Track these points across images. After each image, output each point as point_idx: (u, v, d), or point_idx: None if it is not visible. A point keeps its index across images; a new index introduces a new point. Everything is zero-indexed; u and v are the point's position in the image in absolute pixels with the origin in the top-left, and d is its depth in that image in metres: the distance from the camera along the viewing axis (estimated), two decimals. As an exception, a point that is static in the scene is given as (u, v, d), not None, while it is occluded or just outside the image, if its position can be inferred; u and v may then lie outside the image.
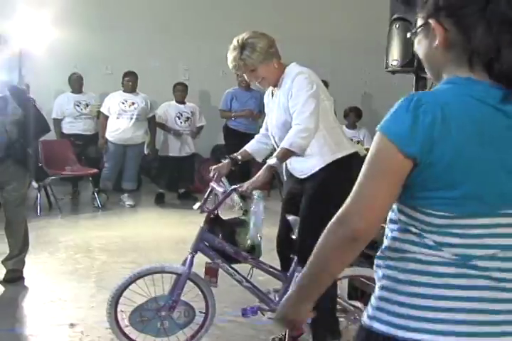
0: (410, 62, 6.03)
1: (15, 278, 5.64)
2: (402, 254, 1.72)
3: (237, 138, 9.91)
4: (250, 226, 3.93)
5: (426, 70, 1.83)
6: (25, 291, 5.53)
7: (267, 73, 4.00)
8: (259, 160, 4.43)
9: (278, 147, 4.02)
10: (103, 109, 9.63)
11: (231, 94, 10.22)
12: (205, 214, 4.00)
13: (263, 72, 3.99)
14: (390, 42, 6.22)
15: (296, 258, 3.92)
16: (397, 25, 6.16)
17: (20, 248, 5.65)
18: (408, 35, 1.90)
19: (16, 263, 5.68)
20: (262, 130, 4.46)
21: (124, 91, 9.69)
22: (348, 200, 1.69)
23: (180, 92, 10.14)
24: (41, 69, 10.42)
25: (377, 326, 1.72)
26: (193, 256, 3.96)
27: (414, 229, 1.70)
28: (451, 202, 1.64)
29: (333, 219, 1.72)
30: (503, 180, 1.63)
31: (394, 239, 1.75)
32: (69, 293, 5.51)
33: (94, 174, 9.48)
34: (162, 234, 7.67)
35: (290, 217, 3.96)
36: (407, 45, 6.01)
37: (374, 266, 1.82)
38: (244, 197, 4.00)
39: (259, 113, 9.97)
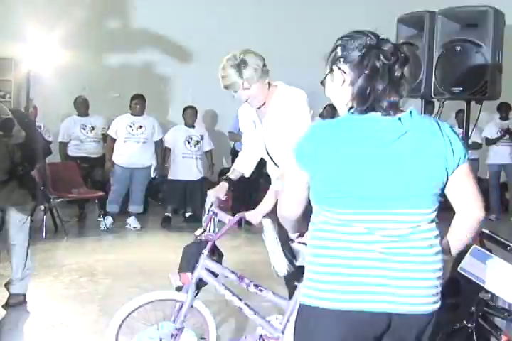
0: (417, 86, 6.02)
1: (17, 302, 5.58)
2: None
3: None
4: (270, 258, 3.82)
5: (335, 106, 2.46)
6: (28, 316, 5.46)
7: (258, 91, 3.95)
8: (247, 175, 4.48)
9: (277, 166, 4.05)
10: (110, 132, 9.61)
11: (240, 116, 10.16)
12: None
13: (255, 91, 3.94)
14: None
15: (299, 285, 3.85)
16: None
17: (23, 271, 5.60)
18: (321, 81, 2.49)
19: (19, 287, 5.62)
20: (245, 147, 4.49)
21: (131, 114, 9.67)
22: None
23: (190, 115, 10.13)
24: (50, 92, 10.47)
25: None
26: (196, 284, 3.92)
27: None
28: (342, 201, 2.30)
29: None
30: (377, 184, 2.27)
31: (316, 230, 2.40)
32: (72, 317, 5.45)
33: (101, 197, 9.46)
34: (168, 258, 7.53)
35: (293, 244, 3.90)
36: (414, 71, 6.01)
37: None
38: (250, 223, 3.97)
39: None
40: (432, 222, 2.36)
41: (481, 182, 11.93)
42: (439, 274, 2.36)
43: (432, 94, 5.74)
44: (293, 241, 3.27)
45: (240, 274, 3.96)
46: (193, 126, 10.15)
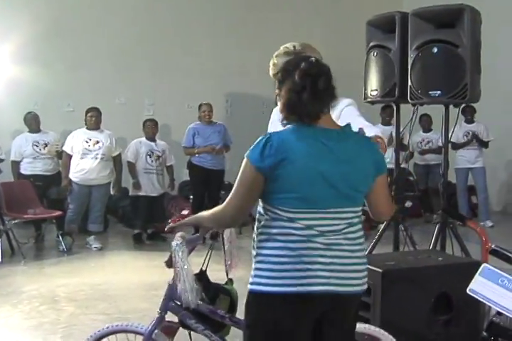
0: (391, 91, 5.74)
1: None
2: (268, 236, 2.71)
3: (202, 175, 9.61)
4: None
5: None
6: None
7: None
8: None
9: None
10: (66, 148, 9.11)
11: (193, 129, 9.77)
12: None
13: None
14: (368, 72, 5.92)
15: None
16: (375, 53, 5.86)
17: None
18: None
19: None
20: None
21: (87, 128, 9.19)
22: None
23: (151, 129, 9.72)
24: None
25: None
26: (161, 317, 3.48)
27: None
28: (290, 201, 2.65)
29: (221, 208, 2.76)
30: (320, 187, 2.65)
31: (264, 226, 2.73)
32: (33, 351, 5.04)
33: (58, 216, 9.00)
34: (132, 280, 7.20)
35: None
36: (388, 74, 5.72)
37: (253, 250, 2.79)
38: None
39: (224, 147, 9.74)
40: (360, 217, 2.83)
41: (449, 186, 11.79)
42: (365, 260, 2.85)
43: (408, 99, 5.45)
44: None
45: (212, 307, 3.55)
46: (155, 140, 9.75)
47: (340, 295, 2.72)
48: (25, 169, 9.52)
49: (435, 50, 5.22)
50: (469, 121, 10.87)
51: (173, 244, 3.11)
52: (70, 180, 9.00)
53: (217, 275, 3.61)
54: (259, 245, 2.74)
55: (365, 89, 5.94)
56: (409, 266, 4.49)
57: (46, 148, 9.46)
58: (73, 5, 11.29)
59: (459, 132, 10.66)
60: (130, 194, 9.68)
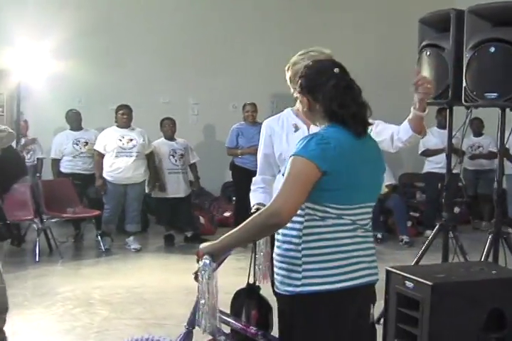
0: (444, 93, 5.43)
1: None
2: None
3: (245, 176, 9.27)
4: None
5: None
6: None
7: None
8: None
9: None
10: (98, 147, 8.91)
11: (236, 130, 9.54)
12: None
13: None
14: (420, 72, 5.61)
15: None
16: (428, 53, 5.56)
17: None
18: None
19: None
20: (262, 176, 3.89)
21: (118, 126, 9.01)
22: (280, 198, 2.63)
23: (170, 128, 9.47)
24: (42, 104, 9.91)
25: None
26: (189, 332, 3.20)
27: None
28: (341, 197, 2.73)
29: (266, 211, 2.63)
30: (364, 183, 2.77)
31: (308, 227, 2.73)
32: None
33: (97, 216, 8.86)
34: (170, 284, 6.99)
35: None
36: (441, 74, 5.42)
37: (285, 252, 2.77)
38: None
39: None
40: None
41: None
42: None
43: (463, 101, 5.14)
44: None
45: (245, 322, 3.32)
46: (174, 139, 9.52)
47: (371, 285, 2.90)
48: (65, 167, 9.43)
49: (492, 49, 4.89)
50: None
51: (200, 263, 2.80)
52: (105, 179, 8.84)
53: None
54: (305, 246, 2.74)
55: (417, 90, 5.64)
56: (460, 279, 4.20)
57: (86, 147, 9.32)
58: (121, 0, 11.18)
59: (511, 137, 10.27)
60: (153, 196, 9.44)
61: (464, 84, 5.09)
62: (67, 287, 6.81)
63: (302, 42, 11.07)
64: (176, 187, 9.30)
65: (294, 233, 2.76)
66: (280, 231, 2.78)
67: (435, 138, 9.78)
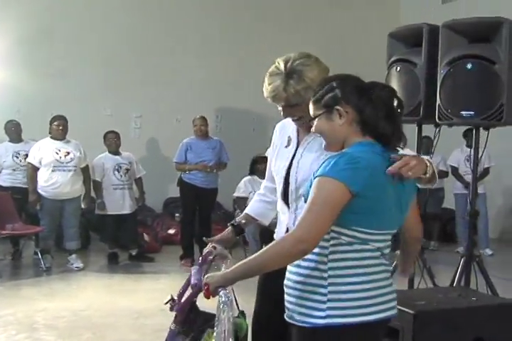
0: (415, 110, 5.24)
1: None
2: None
3: (193, 193, 8.95)
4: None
5: (327, 141, 2.64)
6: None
7: (308, 112, 2.76)
8: (266, 223, 3.51)
9: (287, 205, 3.14)
10: (32, 160, 8.43)
11: (186, 144, 9.06)
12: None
13: (306, 111, 2.78)
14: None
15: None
16: (398, 68, 5.38)
17: None
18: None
19: None
20: (265, 184, 3.51)
21: (52, 138, 8.56)
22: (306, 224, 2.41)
23: (114, 141, 9.10)
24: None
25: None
26: None
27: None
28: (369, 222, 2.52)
29: (291, 236, 2.42)
30: (392, 208, 2.57)
31: (334, 252, 2.51)
32: None
33: (38, 232, 8.42)
34: (117, 306, 6.62)
35: None
36: (412, 91, 5.23)
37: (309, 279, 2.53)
38: None
39: (218, 164, 9.06)
40: None
41: (445, 211, 11.35)
42: None
43: (436, 119, 4.97)
44: None
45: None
46: (119, 153, 9.15)
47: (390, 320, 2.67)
48: (4, 181, 8.95)
49: (469, 66, 4.74)
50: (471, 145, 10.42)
51: (220, 300, 2.54)
52: (40, 194, 8.40)
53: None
54: (332, 273, 2.51)
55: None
56: (442, 307, 4.01)
57: (27, 160, 8.87)
58: (63, 10, 10.79)
59: (460, 156, 10.24)
60: (95, 212, 9.04)
61: (438, 101, 4.93)
62: (8, 309, 6.38)
63: (246, 54, 10.90)
64: (121, 204, 8.93)
65: (319, 259, 2.53)
66: None
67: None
